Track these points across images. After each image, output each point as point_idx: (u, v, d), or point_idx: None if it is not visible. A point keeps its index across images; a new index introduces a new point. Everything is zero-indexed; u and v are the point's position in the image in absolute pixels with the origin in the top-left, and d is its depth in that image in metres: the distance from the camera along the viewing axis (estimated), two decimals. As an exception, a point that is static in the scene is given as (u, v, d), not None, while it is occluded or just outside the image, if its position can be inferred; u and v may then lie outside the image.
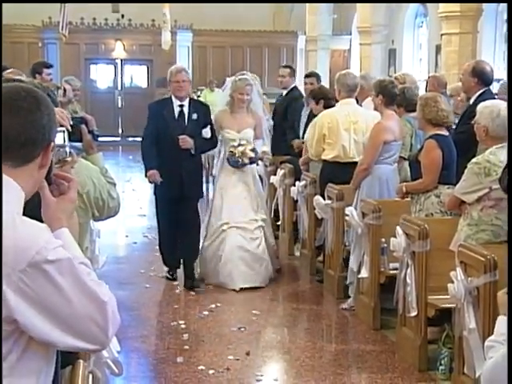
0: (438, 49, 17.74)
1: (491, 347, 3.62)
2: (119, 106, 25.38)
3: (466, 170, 5.76)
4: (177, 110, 8.35)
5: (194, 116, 8.35)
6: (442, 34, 15.46)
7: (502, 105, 5.82)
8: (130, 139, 23.79)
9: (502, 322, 3.64)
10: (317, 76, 11.37)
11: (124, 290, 8.03)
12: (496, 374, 3.51)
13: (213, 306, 7.65)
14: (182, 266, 8.68)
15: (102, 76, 26.01)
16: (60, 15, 20.62)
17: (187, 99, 8.46)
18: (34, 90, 2.45)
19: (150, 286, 8.53)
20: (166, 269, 8.81)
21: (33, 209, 2.44)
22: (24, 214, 2.33)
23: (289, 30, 25.89)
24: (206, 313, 7.44)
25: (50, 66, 10.44)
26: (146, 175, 8.40)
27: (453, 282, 5.32)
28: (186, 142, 8.16)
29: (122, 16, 25.09)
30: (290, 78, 11.50)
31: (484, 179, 5.59)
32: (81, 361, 3.18)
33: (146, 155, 8.52)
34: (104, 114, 22.48)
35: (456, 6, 14.55)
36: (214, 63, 25.32)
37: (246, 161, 8.43)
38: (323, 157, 8.38)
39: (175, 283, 8.59)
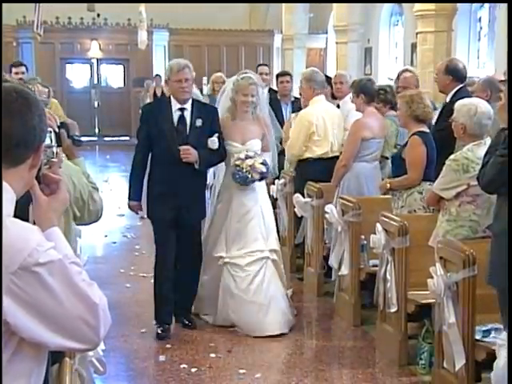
0: (414, 47, 17.82)
1: (504, 347, 3.69)
2: (95, 105, 25.32)
3: (444, 167, 5.81)
4: (176, 114, 6.68)
5: (198, 122, 6.65)
6: (417, 33, 15.55)
7: (480, 103, 5.88)
8: (107, 139, 23.82)
9: None
10: (290, 75, 11.50)
11: (104, 290, 7.64)
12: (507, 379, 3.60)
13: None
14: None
15: (77, 76, 25.94)
16: (34, 14, 20.45)
17: (190, 101, 6.74)
18: (25, 91, 2.44)
19: (131, 286, 8.52)
20: (154, 322, 6.92)
21: (21, 208, 2.45)
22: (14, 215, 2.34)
23: (265, 29, 25.95)
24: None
25: (19, 65, 10.34)
26: (128, 199, 6.97)
27: (432, 277, 5.37)
28: (190, 154, 6.54)
29: (98, 15, 25.00)
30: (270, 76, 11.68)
31: (462, 176, 5.65)
32: (67, 359, 3.21)
33: (132, 178, 6.98)
34: (80, 113, 22.28)
35: (431, 5, 14.65)
36: (191, 62, 25.09)
37: (256, 176, 6.79)
38: (309, 154, 8.33)
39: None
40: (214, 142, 6.68)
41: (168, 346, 6.63)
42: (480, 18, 19.56)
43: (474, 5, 19.34)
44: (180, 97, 6.66)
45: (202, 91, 18.96)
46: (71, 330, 2.28)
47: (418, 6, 15.01)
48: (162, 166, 6.71)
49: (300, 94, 9.05)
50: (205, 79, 19.62)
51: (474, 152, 5.66)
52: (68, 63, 25.29)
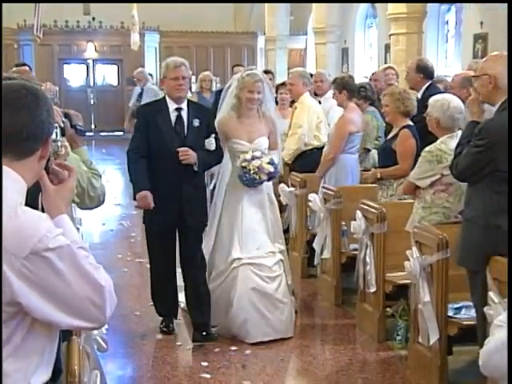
0: (387, 48, 17.84)
1: (500, 327, 3.70)
2: (91, 103, 25.12)
3: (420, 158, 5.84)
4: (173, 115, 6.06)
5: (196, 122, 6.04)
6: (390, 34, 15.55)
7: (452, 98, 5.90)
8: (103, 134, 23.72)
9: None
10: (272, 73, 11.61)
11: None
12: (492, 355, 3.62)
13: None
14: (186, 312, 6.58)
15: (74, 75, 25.73)
16: (34, 18, 20.38)
17: (185, 101, 6.15)
18: (34, 87, 2.45)
19: (128, 270, 8.54)
20: (159, 319, 6.51)
21: (31, 197, 2.46)
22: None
23: (249, 31, 25.89)
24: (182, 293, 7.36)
25: (22, 65, 10.29)
26: (134, 198, 6.14)
27: (409, 260, 5.41)
28: (188, 155, 5.91)
29: (93, 18, 24.93)
30: None
31: (436, 166, 5.66)
32: (75, 337, 3.22)
33: (133, 172, 6.14)
34: (77, 110, 20.96)
35: (403, 8, 14.66)
36: (180, 63, 25.21)
37: (264, 177, 6.12)
38: (317, 143, 8.44)
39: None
40: (211, 143, 6.08)
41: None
42: (447, 21, 19.59)
43: (442, 8, 19.37)
44: (176, 94, 6.02)
45: (190, 89, 18.97)
46: (79, 310, 2.29)
47: (390, 9, 15.01)
48: (160, 168, 6.02)
49: (290, 91, 9.04)
50: (193, 78, 19.60)
51: (447, 144, 5.68)
52: (65, 63, 25.10)
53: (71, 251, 2.28)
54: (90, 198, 4.37)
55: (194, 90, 16.97)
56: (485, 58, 4.91)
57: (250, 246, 6.24)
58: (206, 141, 6.07)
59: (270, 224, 6.39)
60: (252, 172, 6.07)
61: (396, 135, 6.69)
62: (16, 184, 2.32)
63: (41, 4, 19.66)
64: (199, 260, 6.25)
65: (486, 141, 4.58)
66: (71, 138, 4.26)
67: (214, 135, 6.13)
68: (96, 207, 4.52)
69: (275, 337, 6.13)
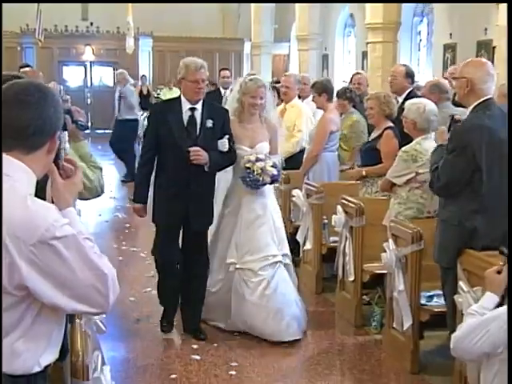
0: (365, 55, 17.89)
1: (472, 315, 3.76)
2: (88, 102, 24.96)
3: (396, 158, 5.85)
4: (186, 114, 5.57)
5: (209, 123, 5.56)
6: (367, 43, 15.56)
7: (427, 102, 5.92)
8: (99, 131, 23.58)
9: (488, 298, 3.79)
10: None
11: None
12: (465, 338, 3.68)
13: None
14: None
15: (73, 76, 25.59)
16: (36, 23, 20.45)
17: (201, 101, 5.63)
18: (42, 85, 2.44)
19: (123, 259, 8.51)
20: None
21: (40, 189, 2.45)
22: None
23: (236, 37, 25.84)
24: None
25: (26, 66, 10.27)
26: (134, 200, 5.94)
27: (385, 251, 5.44)
28: (200, 155, 5.46)
29: (91, 24, 24.89)
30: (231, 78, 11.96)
31: (412, 165, 5.68)
32: (78, 320, 3.22)
33: (137, 178, 5.97)
34: None
35: (379, 19, 14.67)
36: (172, 66, 25.05)
37: (267, 180, 5.70)
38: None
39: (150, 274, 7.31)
40: (224, 144, 5.61)
41: (161, 309, 6.64)
42: (420, 32, 19.67)
43: (415, 20, 19.45)
44: (194, 97, 5.55)
45: (181, 89, 18.92)
46: (84, 296, 2.29)
47: (368, 19, 15.03)
48: (170, 168, 5.60)
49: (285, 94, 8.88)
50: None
51: (422, 145, 5.70)
52: (65, 65, 24.99)
53: (77, 240, 2.27)
54: (88, 189, 4.34)
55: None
56: (466, 62, 4.88)
57: (245, 251, 5.84)
58: (220, 141, 5.62)
59: (273, 228, 5.91)
60: (256, 173, 5.67)
61: (379, 136, 6.68)
62: (26, 176, 2.32)
63: (42, 9, 19.58)
64: (204, 261, 5.91)
65: (460, 143, 4.58)
66: (73, 133, 4.25)
67: (227, 136, 5.67)
68: (95, 197, 4.49)
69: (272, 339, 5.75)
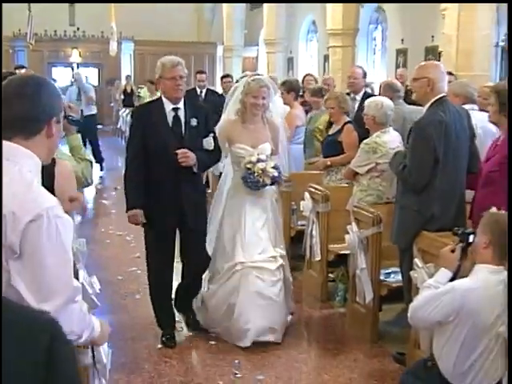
0: (326, 58, 17.89)
1: (427, 288, 3.84)
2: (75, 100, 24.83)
3: (359, 149, 5.86)
4: (170, 115, 5.01)
5: (193, 122, 5.02)
6: (328, 47, 15.56)
7: (384, 99, 5.95)
8: (85, 126, 23.45)
9: (442, 273, 3.87)
10: (231, 76, 11.65)
11: (92, 244, 7.64)
12: (420, 309, 3.75)
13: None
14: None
15: (61, 76, 25.32)
16: (27, 27, 20.20)
17: (182, 101, 5.06)
18: (38, 77, 2.44)
19: (110, 241, 8.48)
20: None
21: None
22: None
23: (210, 41, 25.75)
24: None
25: (21, 68, 10.23)
26: (126, 210, 5.08)
27: (348, 233, 5.46)
28: (187, 157, 4.91)
29: (78, 29, 24.69)
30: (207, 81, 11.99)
31: (372, 156, 5.69)
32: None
33: (127, 186, 5.10)
34: None
35: (339, 25, 14.66)
36: (151, 67, 24.41)
37: (268, 181, 5.21)
38: None
39: (132, 245, 7.67)
40: (209, 143, 5.10)
41: (142, 287, 6.61)
42: (375, 38, 19.73)
43: (371, 27, 19.50)
44: (174, 95, 4.99)
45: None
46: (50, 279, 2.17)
47: (329, 26, 15.03)
48: (158, 171, 5.00)
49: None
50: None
51: (381, 137, 5.73)
52: (54, 66, 24.72)
53: (70, 225, 2.24)
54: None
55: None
56: (423, 64, 4.89)
57: (252, 250, 5.30)
58: (205, 140, 5.09)
59: (273, 228, 5.47)
60: (256, 174, 5.18)
61: (340, 130, 6.69)
62: (30, 160, 2.28)
63: (33, 15, 19.40)
64: (204, 258, 5.35)
65: (422, 138, 4.57)
66: (65, 127, 4.20)
67: (212, 134, 5.16)
68: (84, 187, 4.43)
69: (274, 339, 5.26)
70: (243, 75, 6.47)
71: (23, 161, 2.25)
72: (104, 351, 2.79)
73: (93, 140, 13.83)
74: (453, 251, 3.89)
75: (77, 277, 3.43)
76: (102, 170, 14.17)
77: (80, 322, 2.29)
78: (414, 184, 4.63)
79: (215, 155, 5.23)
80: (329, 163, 6.69)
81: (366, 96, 6.90)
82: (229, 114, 5.55)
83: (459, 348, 3.74)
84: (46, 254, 2.13)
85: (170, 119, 5.03)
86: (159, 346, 5.24)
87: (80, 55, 24.99)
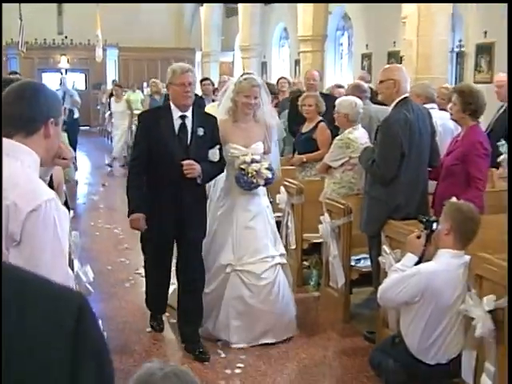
0: (297, 62, 17.90)
1: (395, 271, 3.90)
2: (63, 103, 24.65)
3: (332, 145, 5.86)
4: (177, 122, 4.54)
5: (200, 131, 4.55)
6: (299, 52, 15.58)
7: (356, 98, 5.96)
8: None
9: (408, 257, 3.94)
10: (210, 79, 11.59)
11: (82, 237, 7.62)
12: (388, 290, 3.83)
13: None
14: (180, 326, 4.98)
15: (50, 82, 25.08)
16: (19, 36, 20.24)
17: (190, 109, 4.60)
18: (37, 83, 2.48)
19: (99, 234, 8.44)
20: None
21: None
22: None
23: (189, 47, 25.67)
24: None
25: (15, 73, 10.11)
26: (128, 215, 4.63)
27: (321, 223, 5.49)
28: (193, 169, 4.45)
29: (66, 37, 24.53)
30: None
31: (346, 151, 5.70)
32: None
33: (130, 190, 4.63)
34: None
35: (309, 32, 14.66)
36: (135, 72, 24.84)
37: (261, 182, 4.82)
38: None
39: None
40: (215, 154, 4.63)
41: (130, 277, 6.59)
42: (342, 43, 19.81)
43: (338, 33, 19.57)
44: (182, 102, 4.52)
45: (143, 91, 18.81)
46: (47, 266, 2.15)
47: (300, 32, 15.03)
48: (161, 178, 4.54)
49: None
50: (145, 84, 19.47)
51: (353, 134, 5.75)
52: (44, 72, 24.38)
53: (67, 219, 2.23)
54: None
55: (145, 93, 16.81)
56: (387, 67, 4.92)
57: (242, 251, 4.89)
58: (211, 151, 4.61)
59: (270, 228, 5.06)
60: (250, 175, 4.76)
61: (314, 128, 6.69)
62: (30, 157, 2.29)
63: (24, 25, 19.33)
64: (199, 275, 4.82)
65: (389, 135, 4.58)
66: None
67: (218, 146, 4.68)
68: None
69: (255, 343, 4.88)
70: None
71: (23, 157, 2.26)
72: None
73: (72, 143, 13.55)
74: (418, 237, 3.95)
75: (72, 266, 3.41)
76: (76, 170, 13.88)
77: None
78: (383, 176, 4.64)
79: (219, 166, 4.75)
80: (304, 159, 6.65)
81: (321, 96, 6.96)
82: (220, 113, 5.06)
83: (424, 325, 3.80)
84: (43, 243, 2.13)
85: (176, 127, 4.56)
86: (148, 329, 5.23)
87: (68, 61, 24.84)
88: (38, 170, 2.32)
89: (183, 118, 4.57)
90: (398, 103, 4.60)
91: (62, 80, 14.50)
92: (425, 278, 3.74)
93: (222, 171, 4.86)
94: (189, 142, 4.56)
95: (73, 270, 3.43)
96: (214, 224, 5.04)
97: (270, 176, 4.82)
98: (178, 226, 4.60)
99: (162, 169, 4.52)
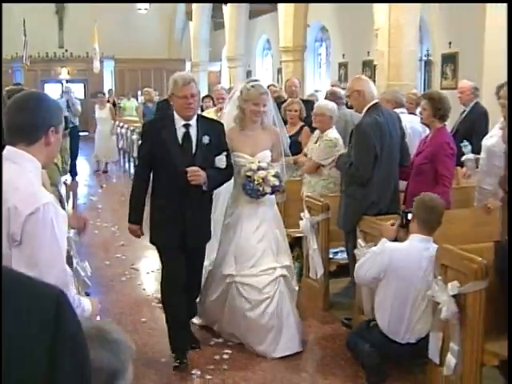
0: (279, 71, 17.92)
1: (367, 253, 4.01)
2: (65, 112, 24.56)
3: (322, 145, 5.80)
4: (181, 131, 4.14)
5: (205, 139, 4.14)
6: (281, 61, 15.58)
7: (334, 104, 5.99)
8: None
9: (382, 241, 4.00)
10: (211, 97, 11.51)
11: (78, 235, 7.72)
12: (360, 268, 4.01)
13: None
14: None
15: (52, 92, 24.98)
16: (23, 51, 20.50)
17: (195, 117, 4.20)
18: (40, 94, 2.44)
19: (98, 232, 8.33)
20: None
21: None
22: None
23: (180, 58, 25.60)
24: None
25: (16, 85, 10.05)
26: (129, 220, 4.32)
27: (302, 219, 5.50)
28: (198, 176, 4.04)
29: (66, 50, 24.43)
30: None
31: (334, 149, 5.68)
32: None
33: (133, 199, 4.29)
34: None
35: (290, 43, 14.68)
36: (130, 82, 24.73)
37: (268, 190, 4.36)
38: None
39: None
40: (222, 161, 4.21)
41: (126, 272, 6.56)
42: (320, 53, 19.84)
43: (316, 44, 19.59)
44: (186, 113, 4.12)
45: (137, 99, 18.79)
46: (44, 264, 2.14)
47: (281, 43, 15.04)
48: (166, 188, 4.15)
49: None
50: (139, 92, 19.48)
51: (335, 134, 5.79)
52: (46, 83, 24.26)
53: (64, 222, 2.22)
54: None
55: (139, 101, 16.77)
56: (352, 80, 4.96)
57: (245, 262, 4.46)
58: (217, 158, 4.20)
59: (274, 239, 4.56)
60: (256, 183, 4.33)
61: (298, 132, 6.68)
62: (31, 163, 2.28)
63: (28, 40, 19.42)
64: (197, 282, 4.49)
65: (362, 138, 4.55)
66: None
67: (225, 153, 4.25)
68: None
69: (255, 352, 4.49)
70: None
71: (25, 163, 2.26)
72: None
73: (73, 149, 13.17)
74: (393, 225, 4.06)
75: (71, 262, 3.41)
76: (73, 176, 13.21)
77: (72, 303, 2.27)
78: (362, 177, 4.60)
79: (227, 173, 4.31)
80: (292, 161, 6.48)
81: (302, 101, 6.98)
82: (226, 121, 4.60)
83: (391, 305, 3.90)
84: (42, 243, 2.13)
85: (180, 136, 4.15)
86: (143, 319, 5.22)
87: (68, 73, 24.78)
88: (39, 175, 2.31)
89: (187, 126, 4.17)
90: (368, 109, 4.62)
91: (66, 89, 14.43)
92: (388, 255, 3.88)
93: (230, 178, 4.42)
94: (194, 150, 4.15)
95: (72, 265, 3.43)
96: (221, 232, 4.64)
97: (277, 183, 4.38)
98: (181, 234, 4.18)
99: (167, 179, 4.13)
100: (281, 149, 4.71)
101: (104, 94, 15.43)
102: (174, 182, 4.10)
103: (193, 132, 4.17)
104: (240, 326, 4.52)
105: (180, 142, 4.14)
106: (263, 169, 4.37)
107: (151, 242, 4.34)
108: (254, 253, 4.47)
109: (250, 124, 4.50)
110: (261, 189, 4.34)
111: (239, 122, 4.53)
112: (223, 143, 4.28)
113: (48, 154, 2.38)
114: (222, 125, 4.38)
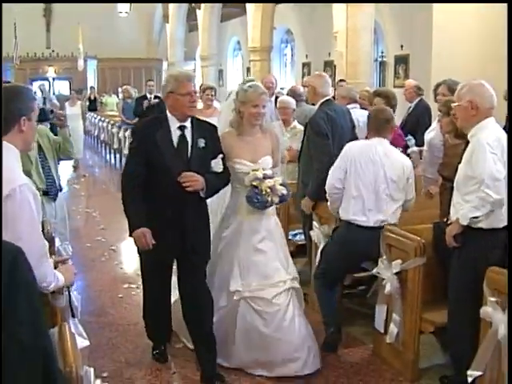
0: (248, 70, 17.89)
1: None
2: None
3: (293, 135, 5.75)
4: (176, 134, 3.45)
5: (201, 142, 3.46)
6: (250, 61, 15.58)
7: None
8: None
9: None
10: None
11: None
12: (329, 178, 4.07)
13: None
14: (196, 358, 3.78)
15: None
16: (14, 51, 20.53)
17: (189, 119, 3.50)
18: (16, 87, 2.44)
19: (80, 217, 8.28)
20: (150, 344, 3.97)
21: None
22: None
23: (157, 58, 25.48)
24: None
25: (7, 83, 9.88)
26: (130, 234, 3.42)
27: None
28: (195, 181, 3.37)
29: (53, 51, 24.40)
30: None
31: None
32: (65, 323, 2.34)
33: (127, 205, 3.42)
34: None
35: (257, 44, 14.69)
36: (111, 79, 24.57)
37: (276, 200, 3.63)
38: None
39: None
40: (218, 165, 3.55)
41: (108, 251, 6.54)
42: (286, 54, 19.86)
43: (282, 45, 19.62)
44: (187, 113, 3.45)
45: (117, 96, 18.61)
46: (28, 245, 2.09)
47: (250, 44, 15.03)
48: (160, 194, 3.42)
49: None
50: (120, 89, 19.34)
51: (299, 125, 5.77)
52: (34, 81, 23.83)
53: (30, 206, 2.20)
54: (67, 152, 4.85)
55: (120, 97, 16.62)
56: (310, 76, 5.01)
57: (251, 277, 3.67)
58: (213, 161, 3.55)
59: (280, 250, 3.81)
60: (264, 193, 3.57)
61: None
62: (11, 151, 2.31)
63: (18, 42, 19.27)
64: (205, 297, 3.59)
65: (316, 127, 4.51)
66: (59, 123, 4.86)
67: (221, 156, 3.58)
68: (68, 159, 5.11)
69: (266, 373, 3.66)
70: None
71: (6, 152, 2.26)
72: (75, 296, 2.79)
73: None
74: None
75: (53, 243, 3.36)
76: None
77: (50, 275, 2.32)
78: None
79: (224, 177, 3.62)
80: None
81: (275, 98, 6.96)
82: (222, 125, 3.93)
83: (354, 188, 3.94)
84: (22, 220, 2.17)
85: (175, 139, 3.46)
86: (120, 295, 5.20)
87: (55, 71, 24.78)
88: (18, 159, 2.33)
89: (182, 128, 3.48)
90: (321, 104, 4.64)
91: (41, 88, 14.51)
92: (345, 149, 4.00)
93: (228, 183, 3.70)
94: (189, 155, 3.46)
95: (54, 245, 3.37)
96: (219, 246, 3.79)
97: (285, 192, 3.66)
98: (179, 245, 3.49)
99: (160, 185, 3.42)
100: (280, 153, 4.04)
101: (76, 92, 15.42)
102: (168, 188, 3.40)
103: (188, 135, 3.49)
104: (257, 347, 3.66)
105: (175, 145, 3.45)
106: (269, 177, 3.63)
107: (138, 253, 3.61)
108: (260, 266, 3.69)
109: (249, 128, 3.73)
110: (269, 199, 3.61)
111: (237, 127, 3.75)
112: (218, 146, 3.60)
113: (24, 139, 2.39)
114: (215, 127, 3.70)
